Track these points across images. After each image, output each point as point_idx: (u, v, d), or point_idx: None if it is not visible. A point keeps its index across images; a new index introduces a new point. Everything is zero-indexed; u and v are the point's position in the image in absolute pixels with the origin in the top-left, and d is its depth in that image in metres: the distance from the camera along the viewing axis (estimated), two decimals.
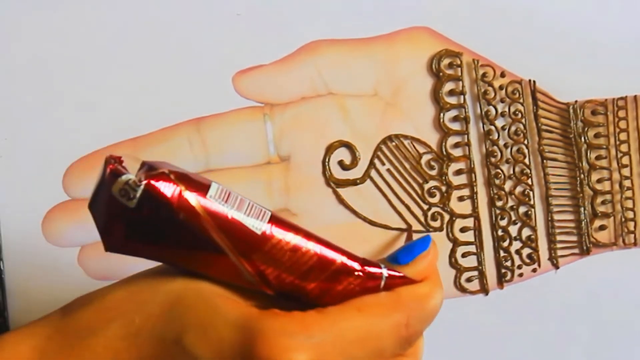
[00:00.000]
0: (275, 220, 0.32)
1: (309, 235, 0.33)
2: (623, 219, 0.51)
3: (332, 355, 0.31)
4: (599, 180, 0.51)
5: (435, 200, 0.50)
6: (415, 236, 0.49)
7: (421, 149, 0.50)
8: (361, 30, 0.50)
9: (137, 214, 0.31)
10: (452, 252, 0.50)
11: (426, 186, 0.50)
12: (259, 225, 0.32)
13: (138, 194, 0.30)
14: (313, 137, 0.49)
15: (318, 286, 0.33)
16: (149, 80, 0.48)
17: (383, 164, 0.50)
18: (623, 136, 0.51)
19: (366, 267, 0.33)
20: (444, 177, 0.50)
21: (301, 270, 0.32)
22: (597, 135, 0.51)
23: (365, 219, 0.50)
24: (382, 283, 0.34)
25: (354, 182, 0.49)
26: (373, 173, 0.50)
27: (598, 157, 0.51)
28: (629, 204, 0.51)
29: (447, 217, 0.50)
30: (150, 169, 0.31)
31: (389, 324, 0.33)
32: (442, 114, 0.50)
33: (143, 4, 0.48)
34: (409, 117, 0.50)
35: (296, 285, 0.32)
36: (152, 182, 0.31)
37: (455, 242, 0.50)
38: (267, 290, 0.33)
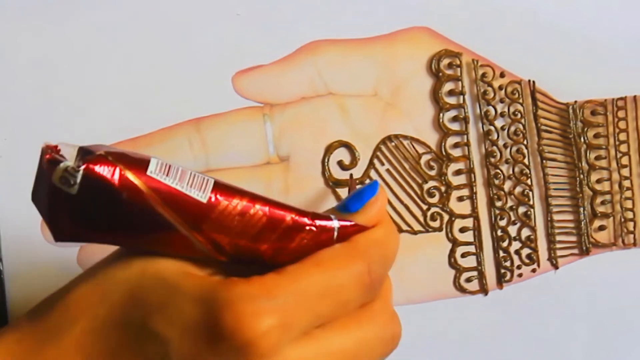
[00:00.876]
0: (219, 186, 0.32)
1: (255, 198, 0.32)
2: (622, 219, 0.51)
3: (297, 313, 0.31)
4: (599, 181, 0.51)
5: (435, 200, 0.50)
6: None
7: (421, 149, 0.50)
8: (361, 31, 0.50)
9: (80, 199, 0.31)
10: (452, 253, 0.50)
11: (425, 186, 0.50)
12: (204, 194, 0.32)
13: (78, 180, 0.30)
14: (313, 137, 0.49)
15: (271, 246, 0.32)
16: (149, 80, 0.48)
17: (382, 164, 0.50)
18: (622, 136, 0.51)
19: (316, 221, 0.33)
20: (443, 177, 0.50)
21: (252, 233, 0.32)
22: (596, 136, 0.51)
23: None
24: (335, 234, 0.33)
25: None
26: (372, 173, 0.50)
27: (597, 158, 0.51)
28: (629, 204, 0.51)
29: (446, 217, 0.50)
30: (87, 153, 0.31)
31: (350, 274, 0.33)
32: (441, 114, 0.50)
33: (143, 4, 0.48)
34: (409, 117, 0.50)
35: (249, 249, 0.32)
36: (91, 165, 0.30)
37: (455, 242, 0.50)
38: (221, 258, 0.32)
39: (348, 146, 0.49)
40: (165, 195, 0.31)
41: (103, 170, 0.31)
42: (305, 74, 0.49)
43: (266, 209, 0.32)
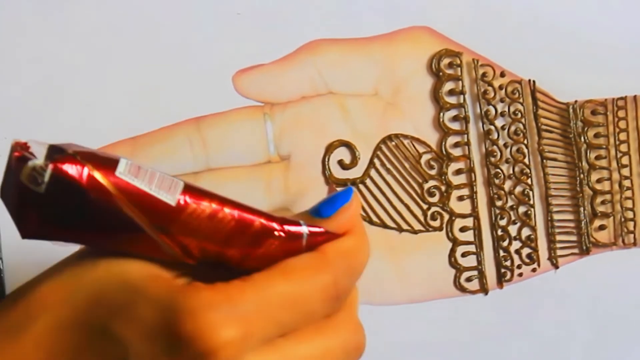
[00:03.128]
0: (188, 189, 0.32)
1: (224, 201, 0.32)
2: (622, 219, 0.51)
3: (260, 323, 0.30)
4: (599, 180, 0.51)
5: (435, 199, 0.50)
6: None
7: (421, 149, 0.50)
8: (361, 30, 0.50)
9: (48, 198, 0.31)
10: (452, 252, 0.50)
11: (426, 186, 0.50)
12: (172, 197, 0.31)
13: (46, 179, 0.30)
14: (313, 136, 0.49)
15: (239, 251, 0.32)
16: (149, 79, 0.48)
17: (383, 163, 0.50)
18: (623, 136, 0.51)
19: (285, 226, 0.33)
20: (443, 177, 0.50)
21: (220, 237, 0.32)
22: (596, 135, 0.51)
23: (364, 219, 0.50)
24: (304, 241, 0.33)
25: (353, 182, 0.49)
26: (373, 172, 0.50)
27: (598, 157, 0.51)
28: (629, 203, 0.51)
29: (446, 216, 0.50)
30: (56, 152, 0.31)
31: (317, 286, 0.32)
32: (441, 114, 0.50)
33: (143, 4, 0.48)
34: (409, 116, 0.50)
35: (217, 253, 0.32)
36: (59, 164, 0.30)
37: (455, 242, 0.50)
38: (189, 261, 0.32)
39: (348, 145, 0.49)
40: (133, 197, 0.31)
41: (71, 169, 0.31)
42: (305, 73, 0.49)
43: (235, 213, 0.32)
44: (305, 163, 0.49)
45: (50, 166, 0.30)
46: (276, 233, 0.33)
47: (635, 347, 0.52)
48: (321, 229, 0.34)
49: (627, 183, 0.51)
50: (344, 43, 0.50)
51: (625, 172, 0.51)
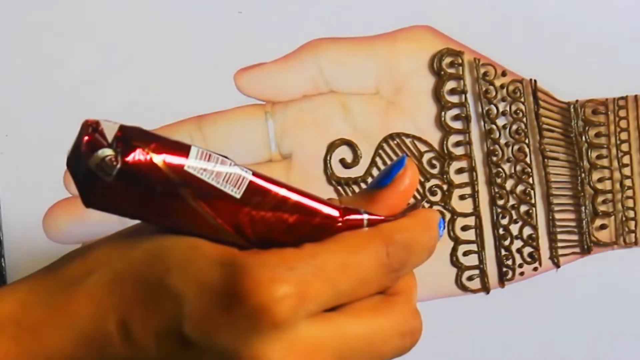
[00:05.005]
0: (255, 182, 0.32)
1: (289, 193, 0.32)
2: (624, 218, 0.51)
3: (315, 286, 0.31)
4: (600, 180, 0.51)
5: (437, 198, 0.50)
6: None
7: (422, 148, 0.50)
8: (363, 29, 0.50)
9: (115, 186, 0.31)
10: (454, 251, 0.50)
11: (427, 184, 0.50)
12: (239, 190, 0.32)
13: (114, 172, 0.30)
14: (315, 135, 0.49)
15: (298, 239, 0.33)
16: (151, 77, 0.48)
17: (385, 162, 0.50)
18: (624, 135, 0.51)
19: (346, 216, 0.33)
20: (445, 176, 0.50)
21: (281, 228, 0.32)
22: (597, 135, 0.51)
23: None
24: (365, 228, 0.34)
25: (355, 181, 0.49)
26: (375, 171, 0.50)
27: (599, 157, 0.51)
28: (630, 203, 0.51)
29: (448, 215, 0.50)
30: (127, 142, 0.31)
31: (369, 252, 0.32)
32: (443, 113, 0.50)
33: (145, 2, 0.48)
34: (411, 115, 0.50)
35: (277, 240, 0.32)
36: (128, 160, 0.30)
37: (457, 241, 0.50)
38: (243, 243, 0.33)
39: (350, 144, 0.49)
40: (200, 190, 0.31)
41: (140, 164, 0.30)
42: (307, 72, 0.49)
43: (299, 205, 0.32)
44: (307, 162, 0.49)
45: (120, 161, 0.30)
46: (338, 225, 0.33)
47: (636, 346, 0.52)
48: (381, 217, 0.34)
49: (628, 182, 0.51)
50: (345, 42, 0.50)
51: (626, 171, 0.51)
